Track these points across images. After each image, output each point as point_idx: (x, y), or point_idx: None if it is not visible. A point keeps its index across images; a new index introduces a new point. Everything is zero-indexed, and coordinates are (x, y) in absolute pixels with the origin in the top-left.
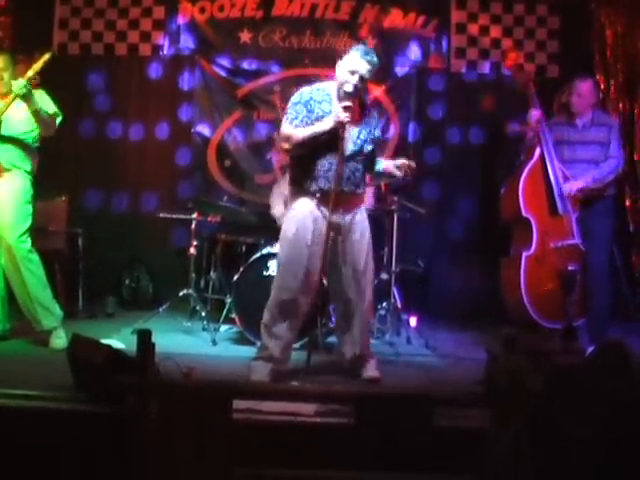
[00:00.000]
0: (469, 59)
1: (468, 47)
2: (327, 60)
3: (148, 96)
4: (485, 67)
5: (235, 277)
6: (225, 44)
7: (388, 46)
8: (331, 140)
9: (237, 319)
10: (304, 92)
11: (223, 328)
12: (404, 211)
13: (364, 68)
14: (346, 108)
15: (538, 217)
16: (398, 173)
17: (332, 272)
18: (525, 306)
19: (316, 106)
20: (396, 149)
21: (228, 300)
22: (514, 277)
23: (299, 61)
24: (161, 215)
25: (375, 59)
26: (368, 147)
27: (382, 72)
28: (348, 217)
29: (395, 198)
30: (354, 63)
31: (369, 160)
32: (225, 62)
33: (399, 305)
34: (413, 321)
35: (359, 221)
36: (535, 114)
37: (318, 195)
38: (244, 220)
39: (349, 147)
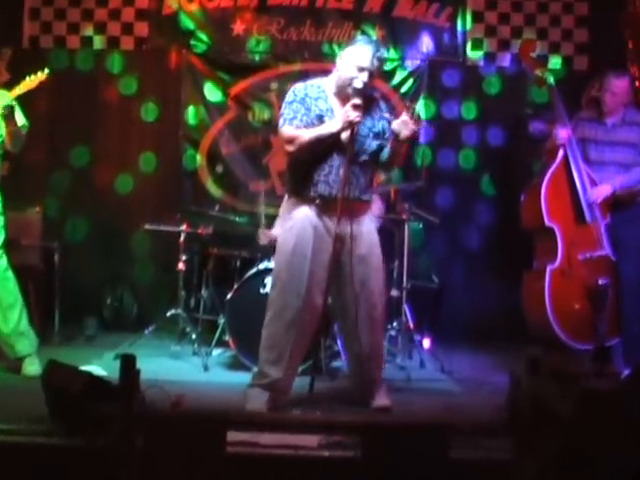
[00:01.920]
0: (487, 51)
1: (486, 37)
2: (329, 54)
3: (130, 95)
4: (505, 59)
5: (229, 295)
6: (216, 36)
7: (397, 37)
8: (333, 141)
9: (231, 342)
10: (297, 89)
11: (215, 352)
12: (415, 220)
13: (374, 65)
14: (356, 107)
15: (563, 226)
16: (405, 132)
17: (336, 289)
18: (551, 325)
19: (312, 103)
20: (406, 151)
21: (221, 321)
22: (538, 293)
23: (298, 55)
24: (146, 227)
25: (384, 54)
26: (372, 144)
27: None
28: (353, 227)
29: (406, 206)
30: (364, 59)
31: (374, 160)
32: (216, 56)
33: (411, 325)
34: (427, 342)
35: (366, 233)
36: (563, 133)
37: (318, 202)
38: (238, 232)
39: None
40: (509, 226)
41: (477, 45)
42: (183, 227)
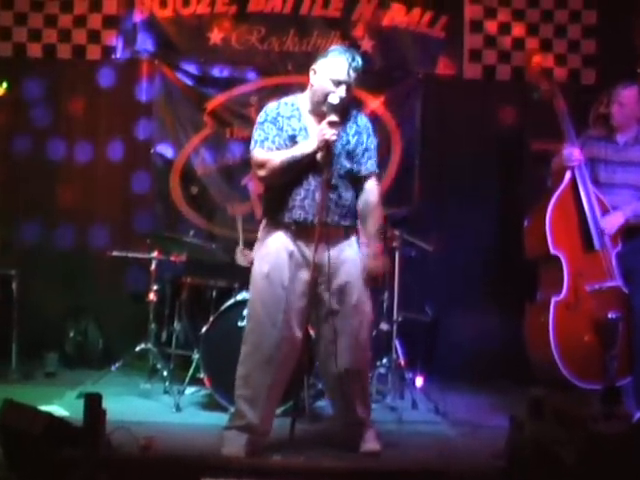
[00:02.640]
0: (486, 64)
1: (485, 49)
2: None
3: (97, 109)
4: (505, 73)
5: (204, 329)
6: (191, 46)
7: (388, 49)
8: (308, 162)
9: (206, 380)
10: (269, 108)
11: (189, 391)
12: (408, 248)
13: (351, 77)
14: (332, 124)
15: (569, 254)
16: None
17: (315, 322)
18: (556, 362)
19: (285, 123)
20: (398, 173)
21: (195, 356)
22: (542, 327)
23: (281, 67)
24: (113, 253)
25: (361, 64)
26: (344, 164)
27: (380, 80)
28: (331, 255)
29: (396, 232)
30: (340, 72)
31: (354, 180)
32: (191, 68)
33: (402, 362)
34: (419, 381)
35: (348, 259)
36: (572, 153)
37: (293, 228)
38: (215, 259)
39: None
40: (511, 254)
41: (475, 57)
42: (154, 254)
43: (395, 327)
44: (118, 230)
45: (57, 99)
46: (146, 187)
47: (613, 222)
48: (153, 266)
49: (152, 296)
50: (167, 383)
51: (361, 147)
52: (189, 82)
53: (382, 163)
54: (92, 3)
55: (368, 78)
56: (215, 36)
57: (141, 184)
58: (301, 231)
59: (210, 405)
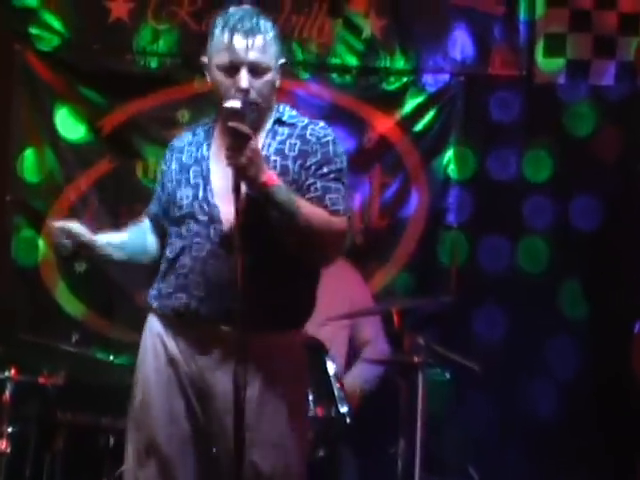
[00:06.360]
0: (573, 57)
1: (571, 33)
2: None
3: None
4: (607, 74)
5: None
6: (79, 23)
7: (409, 33)
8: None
9: None
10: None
11: None
12: (438, 366)
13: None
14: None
15: None
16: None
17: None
18: None
19: None
20: (423, 239)
21: None
22: None
23: None
24: None
25: (265, 24)
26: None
27: (396, 86)
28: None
29: (420, 340)
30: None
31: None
32: (79, 60)
33: None
34: None
35: (266, 380)
36: None
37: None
38: (112, 382)
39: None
40: (611, 376)
41: (555, 47)
42: (10, 373)
43: None
44: None
45: None
46: None
47: None
48: (7, 393)
49: (3, 445)
50: None
51: (307, 173)
52: (74, 83)
53: (396, 221)
54: None
55: (375, 83)
56: (119, 7)
57: None
58: (186, 328)
59: None
